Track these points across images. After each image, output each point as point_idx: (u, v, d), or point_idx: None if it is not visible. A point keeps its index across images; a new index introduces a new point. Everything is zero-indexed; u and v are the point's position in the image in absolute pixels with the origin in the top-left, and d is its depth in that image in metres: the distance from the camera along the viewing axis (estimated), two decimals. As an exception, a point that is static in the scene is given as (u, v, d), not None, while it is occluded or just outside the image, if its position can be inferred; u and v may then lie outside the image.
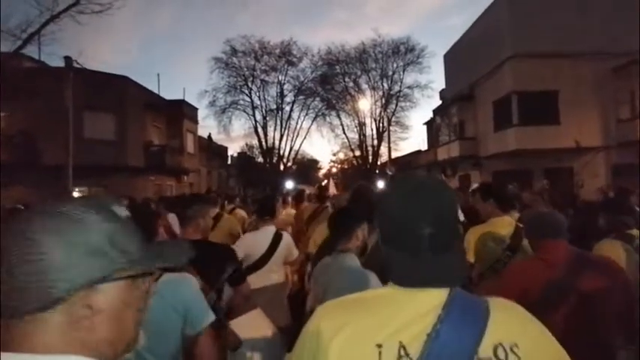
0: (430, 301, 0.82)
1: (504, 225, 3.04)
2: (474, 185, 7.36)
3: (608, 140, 15.79)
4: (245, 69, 29.52)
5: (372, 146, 31.10)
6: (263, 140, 30.84)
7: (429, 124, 26.43)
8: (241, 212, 6.15)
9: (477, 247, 2.97)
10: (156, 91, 22.24)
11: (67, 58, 15.44)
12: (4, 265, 0.56)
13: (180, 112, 22.58)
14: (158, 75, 44.13)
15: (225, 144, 37.25)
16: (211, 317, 1.67)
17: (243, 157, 37.89)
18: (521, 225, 2.90)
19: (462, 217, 4.16)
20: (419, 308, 0.82)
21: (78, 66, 15.04)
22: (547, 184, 8.47)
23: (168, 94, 47.40)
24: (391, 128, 29.22)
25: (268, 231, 3.47)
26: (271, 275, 3.36)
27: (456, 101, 20.05)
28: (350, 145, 32.61)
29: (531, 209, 5.14)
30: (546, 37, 15.24)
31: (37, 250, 0.56)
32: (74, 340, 0.58)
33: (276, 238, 3.42)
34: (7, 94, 13.69)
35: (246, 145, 36.33)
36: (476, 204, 3.44)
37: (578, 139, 15.12)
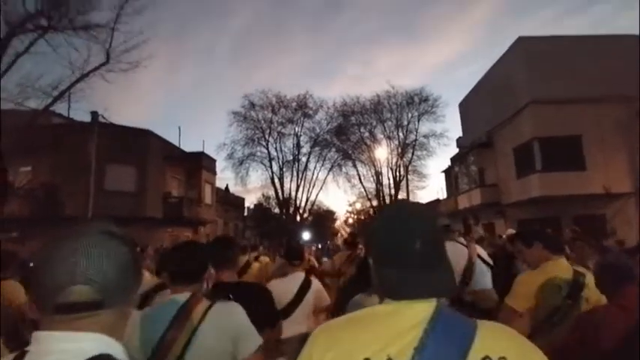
0: (417, 314, 0.84)
1: (562, 269, 2.67)
2: (509, 232, 6.89)
3: (638, 185, 15.14)
4: (262, 122, 30.32)
5: (390, 195, 30.70)
6: (280, 191, 30.87)
7: (447, 172, 26.13)
8: (266, 259, 5.98)
9: (532, 295, 2.59)
10: (176, 144, 22.84)
11: (94, 114, 16.14)
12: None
13: (199, 164, 22.97)
14: (179, 128, 45.82)
15: (242, 195, 37.51)
16: (260, 341, 1.73)
17: (260, 208, 37.86)
18: (579, 270, 2.58)
19: (490, 261, 3.97)
20: (406, 322, 0.83)
21: (103, 121, 15.65)
22: (571, 233, 7.83)
23: (189, 146, 48.89)
24: (408, 177, 28.98)
25: (297, 276, 3.23)
26: (300, 324, 3.01)
27: (474, 149, 19.86)
28: (367, 195, 32.30)
29: (579, 255, 4.76)
30: (563, 83, 15.28)
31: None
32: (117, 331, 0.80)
33: (306, 284, 3.17)
34: (33, 149, 14.21)
35: (263, 195, 36.45)
36: (517, 251, 3.15)
37: (606, 184, 14.56)
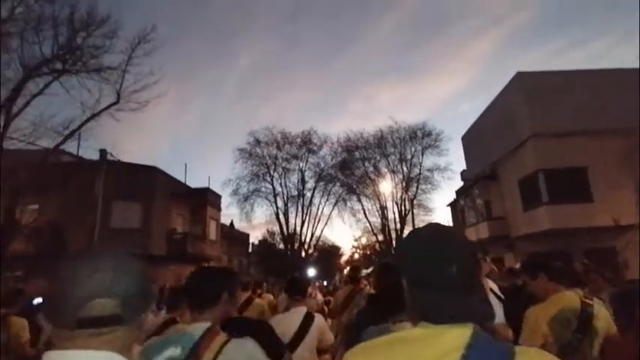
0: (454, 339, 0.83)
1: (569, 300, 2.60)
2: (519, 265, 6.77)
3: (647, 216, 14.93)
4: (267, 158, 30.70)
5: (395, 230, 30.43)
6: (284, 226, 30.72)
7: (453, 205, 25.98)
8: (269, 296, 5.84)
9: (541, 330, 2.52)
10: (182, 180, 23.06)
11: (102, 151, 16.43)
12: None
13: (204, 200, 23.05)
14: (185, 165, 46.53)
15: (247, 231, 37.30)
16: None
17: (264, 244, 37.53)
18: (588, 301, 2.53)
19: (501, 295, 3.87)
20: (443, 346, 0.83)
21: (111, 158, 15.91)
22: (582, 266, 7.64)
23: (194, 182, 49.27)
24: (414, 211, 28.82)
25: (299, 312, 3.14)
26: (304, 361, 2.92)
27: (478, 181, 19.85)
28: (372, 230, 32.03)
29: (593, 287, 4.65)
30: (564, 116, 15.50)
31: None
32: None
33: (308, 320, 3.07)
34: (42, 187, 14.38)
35: (268, 231, 36.25)
36: (527, 284, 3.08)
37: (615, 217, 14.38)
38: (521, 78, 17.07)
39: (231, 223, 33.52)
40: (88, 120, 13.85)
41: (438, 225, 1.02)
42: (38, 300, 6.15)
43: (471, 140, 23.06)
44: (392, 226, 30.70)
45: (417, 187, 30.28)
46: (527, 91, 16.47)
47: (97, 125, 14.12)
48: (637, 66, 15.22)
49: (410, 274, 0.96)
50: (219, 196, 25.97)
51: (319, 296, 6.28)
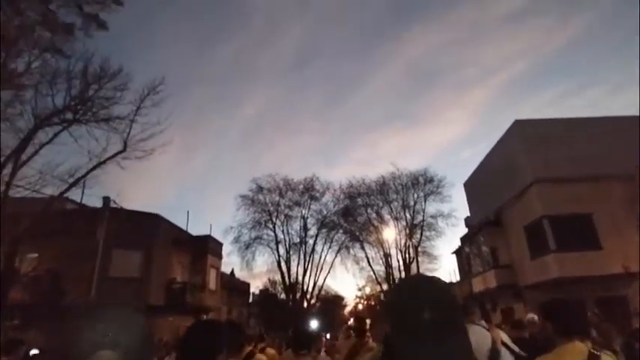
0: None
1: (575, 353, 2.45)
2: (529, 316, 6.51)
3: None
4: (270, 205, 30.67)
5: (400, 279, 29.65)
6: (286, 275, 30.01)
7: (458, 253, 25.49)
8: (271, 351, 5.54)
9: None
10: (185, 227, 22.90)
11: (105, 199, 16.48)
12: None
13: (206, 248, 22.75)
14: (188, 212, 46.38)
15: (247, 280, 36.40)
16: None
17: (265, 294, 36.47)
18: (596, 352, 2.41)
19: (515, 348, 3.65)
20: None
21: (114, 206, 15.91)
22: (593, 316, 7.33)
23: (196, 229, 48.89)
24: (418, 259, 28.24)
25: None
26: None
27: (483, 228, 19.62)
28: (376, 279, 31.22)
29: (605, 337, 4.44)
30: (565, 163, 15.62)
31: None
32: None
33: None
34: (43, 236, 14.26)
35: (269, 280, 35.39)
36: (535, 337, 2.92)
37: (625, 264, 14.03)
38: (519, 125, 17.43)
39: (232, 272, 32.82)
40: (94, 168, 14.02)
41: (420, 274, 1.07)
42: (34, 351, 5.88)
43: (474, 187, 23.10)
44: (396, 274, 29.94)
45: (421, 234, 29.89)
46: (527, 138, 16.75)
47: (102, 173, 14.27)
48: (635, 113, 15.58)
49: (391, 322, 0.96)
50: (220, 244, 25.65)
51: (322, 353, 5.93)
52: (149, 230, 18.58)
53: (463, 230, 25.21)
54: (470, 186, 23.83)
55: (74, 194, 16.43)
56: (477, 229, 20.51)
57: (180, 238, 21.32)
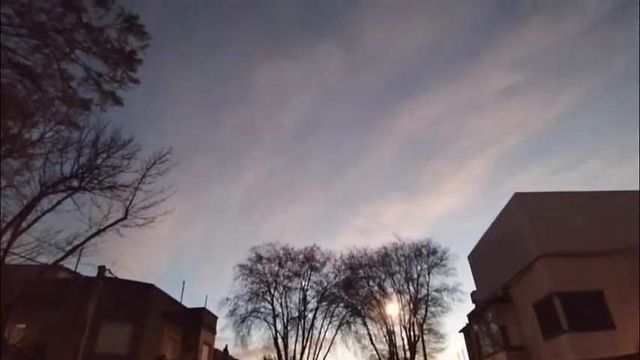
0: None
1: None
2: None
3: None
4: (269, 275, 29.84)
5: (405, 359, 27.77)
6: (283, 353, 28.19)
7: (466, 330, 24.15)
8: None
9: None
10: (179, 298, 22.01)
11: (101, 268, 16.07)
12: None
13: (199, 322, 21.65)
14: (183, 282, 44.83)
15: (241, 358, 34.08)
16: None
17: (260, 374, 33.89)
18: None
19: None
20: None
21: (109, 275, 15.45)
22: None
23: (192, 299, 46.91)
24: (424, 337, 26.71)
25: None
26: None
27: (491, 305, 18.79)
28: (380, 358, 29.24)
29: None
30: (569, 237, 15.45)
31: None
32: None
33: None
34: (33, 305, 13.67)
35: (265, 358, 33.07)
36: None
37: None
38: (520, 198, 17.51)
39: (225, 349, 30.83)
40: (92, 236, 13.84)
41: None
42: None
43: (478, 259, 22.59)
44: (401, 354, 28.10)
45: (426, 310, 28.64)
46: (528, 211, 16.75)
47: (100, 241, 14.06)
48: (632, 187, 15.76)
49: None
50: (215, 317, 24.46)
51: None
52: (142, 302, 17.83)
53: (470, 306, 24.16)
54: (474, 259, 23.31)
55: (70, 262, 16.06)
56: (485, 305, 19.65)
57: (174, 311, 20.38)
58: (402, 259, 29.67)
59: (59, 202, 13.75)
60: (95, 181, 13.96)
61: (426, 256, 29.32)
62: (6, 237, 12.39)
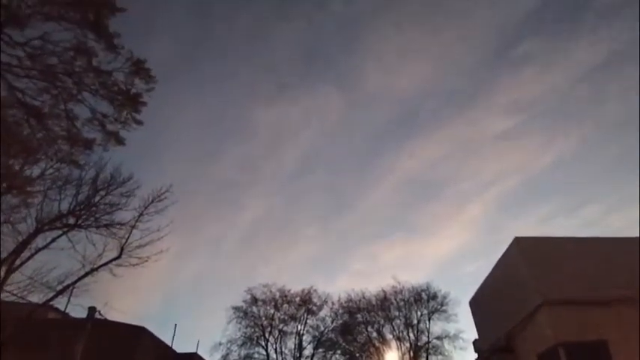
0: None
1: None
2: None
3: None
4: (264, 318, 28.92)
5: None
6: (277, 402, 26.78)
7: (468, 382, 23.09)
8: None
9: None
10: (170, 341, 21.18)
11: (91, 309, 15.58)
12: None
13: (190, 368, 20.74)
14: (175, 325, 43.33)
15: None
16: None
17: None
18: None
19: None
20: None
21: (99, 317, 14.97)
22: None
23: (183, 343, 45.07)
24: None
25: None
26: None
27: (494, 355, 18.09)
28: (378, 410, 27.75)
29: None
30: (571, 284, 15.14)
31: None
32: None
33: None
34: (20, 347, 13.14)
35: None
36: None
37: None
38: (520, 243, 17.32)
39: (217, 397, 29.28)
40: (85, 275, 13.57)
41: None
42: None
43: (479, 306, 22.00)
44: (401, 406, 26.72)
45: (427, 359, 27.49)
46: (529, 257, 16.51)
47: (93, 280, 13.74)
48: (633, 233, 15.69)
49: None
50: (207, 363, 23.45)
51: None
52: (131, 346, 17.12)
53: (472, 354, 23.25)
54: (475, 305, 22.70)
55: (60, 302, 15.61)
56: (487, 355, 18.92)
57: (164, 356, 19.56)
58: (402, 303, 28.92)
59: (54, 240, 13.60)
60: (92, 219, 13.88)
61: (426, 300, 28.61)
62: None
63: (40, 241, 13.45)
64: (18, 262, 12.73)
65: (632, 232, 18.00)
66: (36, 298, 13.06)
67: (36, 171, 12.09)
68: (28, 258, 12.98)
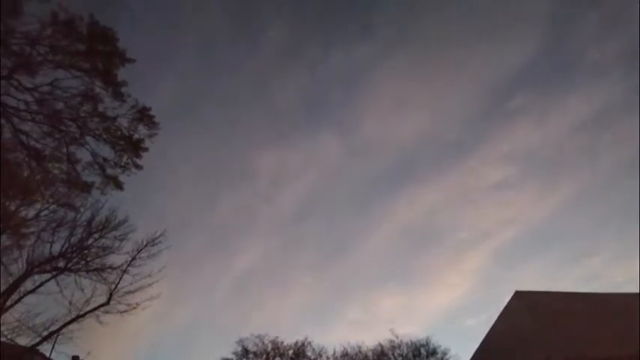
0: None
1: None
2: None
3: None
4: (255, 372, 27.43)
5: None
6: None
7: None
8: None
9: None
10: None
11: (74, 358, 14.83)
12: None
13: None
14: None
15: None
16: None
17: None
18: None
19: None
20: None
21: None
22: None
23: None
24: None
25: None
26: None
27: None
28: None
29: None
30: (575, 340, 14.73)
31: None
32: None
33: None
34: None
35: None
36: None
37: None
38: (521, 297, 17.01)
39: None
40: (70, 321, 13.04)
41: None
42: None
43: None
44: None
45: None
46: (530, 312, 16.21)
47: (78, 327, 13.18)
48: (633, 288, 15.47)
49: None
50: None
51: None
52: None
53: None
54: (477, 362, 21.76)
55: (45, 348, 14.86)
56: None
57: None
58: (400, 359, 27.61)
59: (42, 284, 13.21)
60: (83, 262, 13.56)
61: (426, 357, 27.30)
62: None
63: (29, 283, 13.12)
64: (9, 302, 12.37)
65: (632, 287, 17.70)
66: (24, 341, 12.54)
67: (31, 212, 12.01)
68: (18, 300, 12.63)
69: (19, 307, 12.70)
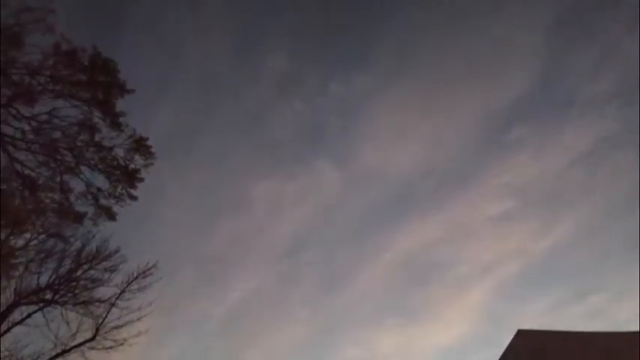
0: None
1: None
2: None
3: None
4: (246, 412, 26.12)
5: None
6: None
7: None
8: None
9: None
10: None
11: (56, 397, 14.11)
12: None
13: None
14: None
15: None
16: None
17: None
18: None
19: None
20: None
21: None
22: None
23: None
24: None
25: None
26: None
27: None
28: None
29: None
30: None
31: None
32: None
33: None
34: None
35: None
36: None
37: None
38: (523, 336, 16.50)
39: None
40: (56, 356, 12.57)
41: None
42: None
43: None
44: None
45: None
46: (533, 353, 15.68)
47: (63, 364, 12.60)
48: (636, 324, 15.05)
49: None
50: None
51: None
52: None
53: None
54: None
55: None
56: None
57: None
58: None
59: (29, 316, 12.82)
60: (70, 295, 13.14)
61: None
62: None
63: (17, 314, 12.74)
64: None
65: (636, 325, 17.25)
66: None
67: (20, 242, 11.75)
68: (7, 330, 12.24)
69: (9, 337, 12.36)
